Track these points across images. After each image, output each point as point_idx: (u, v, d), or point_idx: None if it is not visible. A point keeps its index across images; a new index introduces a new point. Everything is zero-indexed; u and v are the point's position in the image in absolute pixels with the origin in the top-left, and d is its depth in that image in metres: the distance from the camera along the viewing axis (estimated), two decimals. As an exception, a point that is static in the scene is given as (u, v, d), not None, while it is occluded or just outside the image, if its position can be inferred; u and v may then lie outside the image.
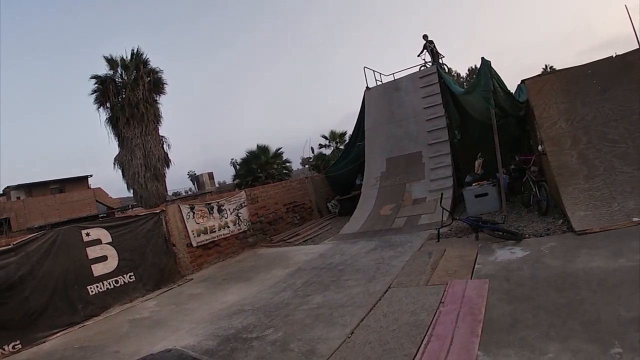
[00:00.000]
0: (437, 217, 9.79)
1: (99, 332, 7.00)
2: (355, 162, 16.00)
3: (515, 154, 12.06)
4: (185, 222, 10.57)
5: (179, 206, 10.69)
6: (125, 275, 8.74)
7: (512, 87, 11.11)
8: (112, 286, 8.45)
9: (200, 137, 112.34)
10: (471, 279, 5.71)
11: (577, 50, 77.64)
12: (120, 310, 8.11)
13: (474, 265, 6.30)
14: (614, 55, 8.98)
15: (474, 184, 10.91)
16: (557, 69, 47.86)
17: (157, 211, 10.06)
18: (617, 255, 5.31)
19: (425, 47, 15.68)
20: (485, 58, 9.73)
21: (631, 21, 9.29)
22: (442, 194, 9.38)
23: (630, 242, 5.65)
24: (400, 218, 11.20)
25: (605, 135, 8.17)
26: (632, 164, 7.62)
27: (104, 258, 8.49)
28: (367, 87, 15.66)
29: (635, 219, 6.44)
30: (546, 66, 50.59)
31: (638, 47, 10.96)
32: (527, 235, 7.32)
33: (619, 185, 7.43)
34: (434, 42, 15.78)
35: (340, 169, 16.89)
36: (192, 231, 10.66)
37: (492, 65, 9.79)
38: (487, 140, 12.11)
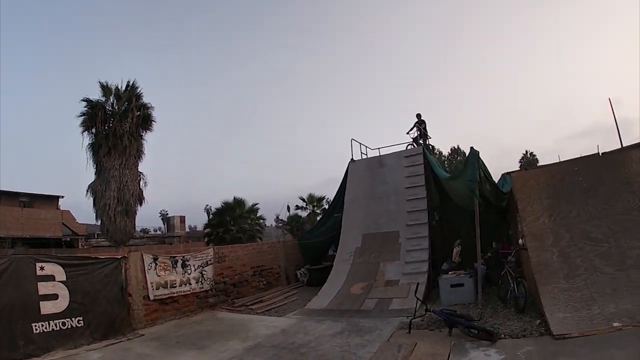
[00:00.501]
0: (409, 302, 9.33)
1: (34, 377, 6.36)
2: (330, 232, 15.60)
3: (493, 241, 11.87)
4: (146, 272, 10.12)
5: (142, 255, 10.27)
6: (73, 319, 8.22)
7: (489, 168, 11.03)
8: (58, 328, 7.93)
9: (178, 178, 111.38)
10: (442, 382, 5.21)
11: (557, 136, 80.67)
12: (62, 355, 7.56)
13: (446, 365, 5.81)
14: (599, 153, 9.03)
15: (450, 273, 10.56)
16: (537, 154, 49.34)
17: (119, 257, 9.67)
18: (598, 366, 4.94)
19: (415, 125, 15.86)
20: (474, 148, 9.72)
21: (613, 114, 9.50)
22: (417, 284, 8.95)
23: (611, 350, 5.38)
24: (370, 299, 10.66)
25: (588, 234, 8.00)
26: (613, 265, 7.40)
27: (54, 296, 8.06)
28: (352, 159, 15.61)
29: (615, 324, 6.18)
30: (526, 152, 52.01)
31: (619, 138, 11.15)
32: (502, 335, 6.89)
33: (600, 286, 7.15)
34: (426, 122, 16.12)
35: (314, 238, 16.41)
36: (152, 283, 10.16)
37: (473, 144, 9.75)
38: (466, 225, 11.97)
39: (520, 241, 10.14)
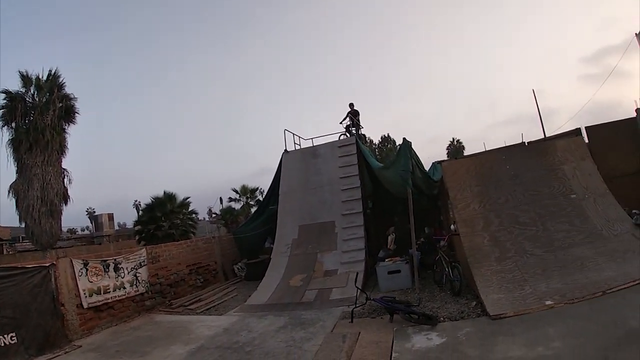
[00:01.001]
0: (349, 291, 9.42)
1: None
2: (266, 225, 15.39)
3: (425, 227, 12.22)
4: (77, 279, 9.41)
5: (71, 261, 9.52)
6: (6, 336, 7.58)
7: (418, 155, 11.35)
8: (-9, 347, 7.28)
9: (103, 172, 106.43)
10: (389, 370, 5.28)
11: (482, 125, 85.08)
12: (-3, 377, 7.03)
13: (391, 353, 5.89)
14: (525, 143, 9.51)
15: (386, 260, 10.76)
16: (463, 141, 51.85)
17: (47, 264, 8.91)
18: (535, 343, 5.23)
19: (348, 115, 15.97)
20: (407, 139, 9.93)
21: (537, 104, 10.10)
22: (357, 274, 9.02)
23: (545, 327, 5.65)
24: (310, 291, 10.63)
25: (517, 218, 8.46)
26: (542, 247, 7.89)
27: (-17, 313, 7.45)
28: (285, 150, 15.45)
29: (548, 302, 6.53)
30: (453, 139, 54.49)
31: (542, 127, 11.88)
32: (441, 319, 7.08)
33: (530, 267, 7.58)
34: (359, 112, 16.23)
35: (249, 231, 16.10)
36: (84, 290, 9.48)
37: (402, 132, 10.00)
38: (398, 211, 12.31)
39: (452, 227, 10.49)
